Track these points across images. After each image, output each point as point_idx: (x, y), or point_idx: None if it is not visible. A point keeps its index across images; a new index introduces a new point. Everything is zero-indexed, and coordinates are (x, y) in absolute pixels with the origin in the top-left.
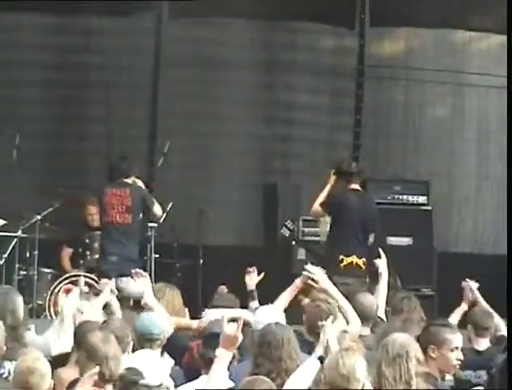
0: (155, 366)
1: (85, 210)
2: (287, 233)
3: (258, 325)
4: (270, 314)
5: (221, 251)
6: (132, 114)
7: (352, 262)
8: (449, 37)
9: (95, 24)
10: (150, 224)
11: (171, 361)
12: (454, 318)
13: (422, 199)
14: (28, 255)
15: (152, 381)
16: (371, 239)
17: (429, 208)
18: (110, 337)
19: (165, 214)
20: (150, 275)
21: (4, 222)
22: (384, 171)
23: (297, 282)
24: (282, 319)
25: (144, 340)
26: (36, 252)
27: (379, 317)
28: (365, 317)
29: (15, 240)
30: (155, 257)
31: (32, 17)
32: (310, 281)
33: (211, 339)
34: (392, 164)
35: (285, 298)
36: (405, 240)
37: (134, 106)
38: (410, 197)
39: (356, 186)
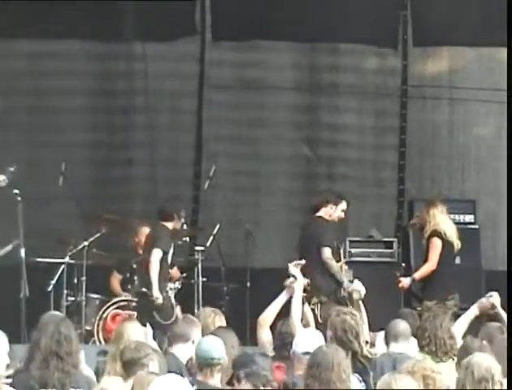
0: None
1: (137, 233)
2: None
3: (297, 348)
4: (309, 338)
5: (268, 273)
6: (177, 139)
7: None
8: (493, 55)
9: (138, 50)
10: (197, 248)
11: None
12: (464, 321)
13: (468, 218)
14: (75, 281)
15: None
16: None
17: (476, 227)
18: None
19: (212, 238)
20: (198, 299)
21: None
22: (429, 190)
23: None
24: (321, 341)
25: (204, 364)
26: (84, 278)
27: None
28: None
29: (63, 266)
30: (202, 281)
31: (76, 43)
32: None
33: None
34: (437, 183)
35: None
36: None
37: (179, 130)
38: (457, 217)
39: None
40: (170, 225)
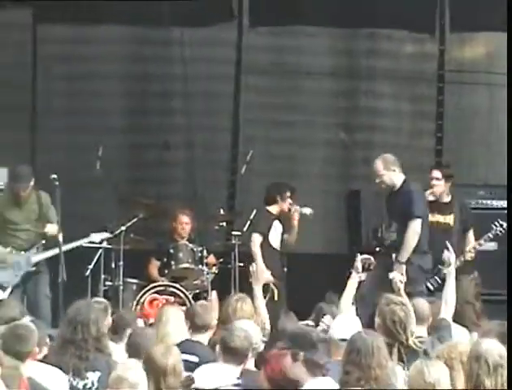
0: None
1: (175, 219)
2: None
3: (334, 334)
4: (346, 324)
5: (305, 259)
6: (214, 123)
7: None
8: None
9: (177, 35)
10: (234, 232)
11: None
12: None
13: (506, 203)
14: (113, 266)
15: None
16: None
17: None
18: (172, 350)
19: (249, 222)
20: (235, 284)
21: (107, 235)
22: (467, 176)
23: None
24: (359, 327)
25: None
26: (121, 262)
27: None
28: (421, 318)
29: (100, 251)
30: (239, 266)
31: (114, 29)
32: None
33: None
34: (475, 169)
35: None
36: (490, 245)
37: (216, 115)
38: (494, 202)
39: None
40: (274, 208)
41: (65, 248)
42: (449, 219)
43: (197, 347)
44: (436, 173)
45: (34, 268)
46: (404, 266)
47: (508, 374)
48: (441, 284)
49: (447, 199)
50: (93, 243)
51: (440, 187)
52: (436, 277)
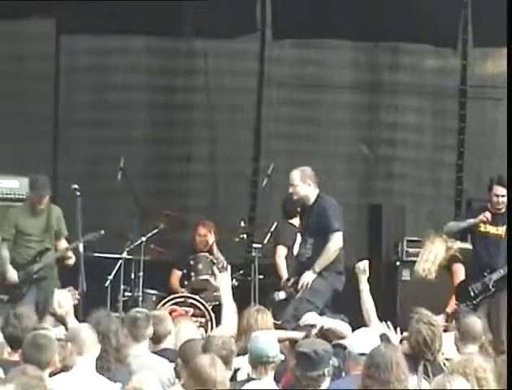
0: None
1: (195, 231)
2: None
3: (353, 349)
4: (365, 338)
5: None
6: (236, 136)
7: None
8: None
9: (199, 47)
10: (254, 245)
11: None
12: None
13: None
14: (133, 276)
15: None
16: None
17: None
18: (217, 360)
19: (269, 235)
20: (254, 296)
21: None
22: (487, 191)
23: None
24: (377, 341)
25: (259, 362)
26: (141, 273)
27: None
28: (473, 336)
29: (120, 261)
30: (259, 278)
31: (137, 40)
32: None
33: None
34: None
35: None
36: None
37: (238, 127)
38: None
39: None
40: (296, 221)
41: (59, 253)
42: (501, 231)
43: None
44: (501, 190)
45: (35, 276)
46: (314, 276)
47: (508, 374)
48: (483, 290)
49: (502, 211)
50: (90, 241)
51: (503, 204)
52: (479, 283)
